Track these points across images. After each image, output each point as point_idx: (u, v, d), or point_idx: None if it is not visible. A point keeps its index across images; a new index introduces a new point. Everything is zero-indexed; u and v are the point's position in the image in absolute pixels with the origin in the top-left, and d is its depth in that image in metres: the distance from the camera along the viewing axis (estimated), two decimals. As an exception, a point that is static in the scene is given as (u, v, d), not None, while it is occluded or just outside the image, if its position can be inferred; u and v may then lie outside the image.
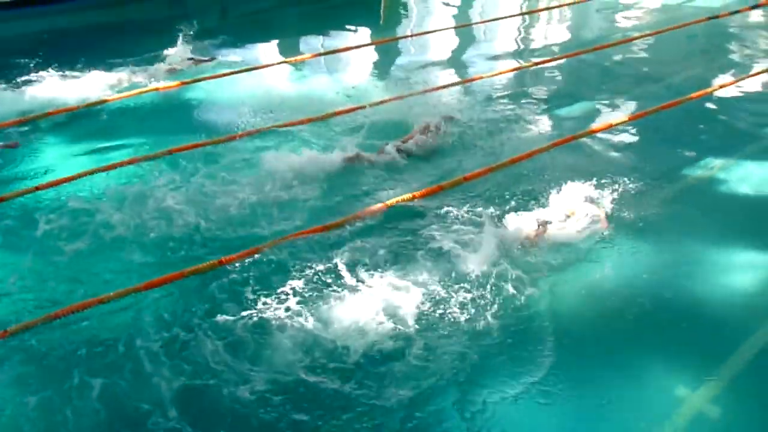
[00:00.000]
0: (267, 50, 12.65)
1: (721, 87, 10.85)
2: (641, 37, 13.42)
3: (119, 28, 13.02)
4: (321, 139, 8.72)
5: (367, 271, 6.11)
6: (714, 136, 9.35)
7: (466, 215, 6.95)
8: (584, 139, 8.96)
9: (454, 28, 14.11)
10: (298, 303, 5.71)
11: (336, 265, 6.12)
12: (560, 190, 7.17)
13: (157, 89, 10.07)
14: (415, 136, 8.31)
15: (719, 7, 15.29)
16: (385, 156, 8.00)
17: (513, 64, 11.93)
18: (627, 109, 10.04)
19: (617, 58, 12.22)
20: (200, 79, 10.52)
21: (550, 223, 6.69)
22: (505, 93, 10.46)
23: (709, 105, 10.36)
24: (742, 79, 11.20)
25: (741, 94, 10.74)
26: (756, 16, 15.08)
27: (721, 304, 6.09)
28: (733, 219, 7.43)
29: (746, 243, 7.04)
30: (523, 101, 10.10)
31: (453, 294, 5.82)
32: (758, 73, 11.49)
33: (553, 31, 14.34)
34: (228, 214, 7.03)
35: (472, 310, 5.66)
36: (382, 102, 9.73)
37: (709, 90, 10.73)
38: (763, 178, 8.22)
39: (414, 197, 7.33)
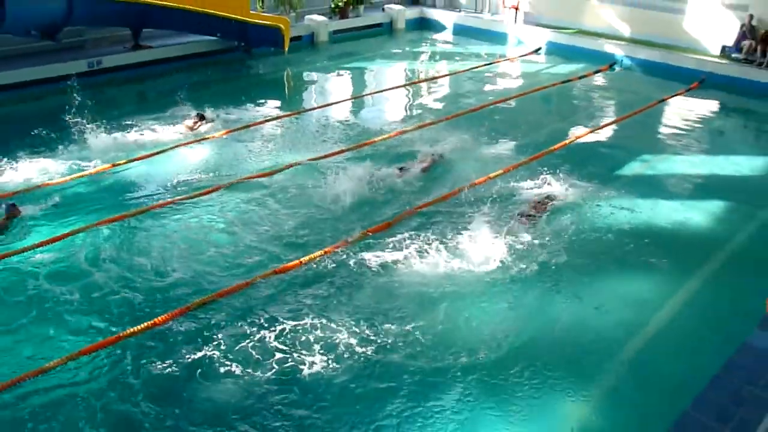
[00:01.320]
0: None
1: (577, 138, 11.66)
2: (509, 99, 14.45)
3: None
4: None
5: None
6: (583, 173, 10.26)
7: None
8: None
9: (357, 97, 14.53)
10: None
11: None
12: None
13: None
14: (416, 164, 10.40)
15: (568, 73, 16.39)
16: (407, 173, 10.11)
17: (411, 124, 12.63)
18: (514, 154, 11.04)
19: (497, 117, 13.25)
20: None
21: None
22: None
23: (571, 150, 11.14)
24: (595, 130, 12.07)
25: (595, 141, 11.56)
26: (598, 79, 16.28)
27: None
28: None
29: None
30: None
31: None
32: (607, 125, 12.43)
33: (436, 96, 15.12)
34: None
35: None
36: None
37: (567, 141, 11.50)
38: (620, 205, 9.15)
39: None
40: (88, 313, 6.74)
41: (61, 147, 10.63)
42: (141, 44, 15.28)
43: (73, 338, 6.37)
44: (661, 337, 6.79)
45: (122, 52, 14.99)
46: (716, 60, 16.79)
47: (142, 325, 6.44)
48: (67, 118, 10.81)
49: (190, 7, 14.80)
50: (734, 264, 8.28)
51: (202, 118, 12.28)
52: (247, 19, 15.72)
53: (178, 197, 9.18)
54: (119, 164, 10.14)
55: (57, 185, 9.48)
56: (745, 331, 5.60)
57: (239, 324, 6.57)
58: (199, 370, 5.93)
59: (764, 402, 4.55)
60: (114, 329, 6.46)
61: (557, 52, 18.64)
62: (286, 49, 16.29)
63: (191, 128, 11.88)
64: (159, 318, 6.55)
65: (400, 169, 10.17)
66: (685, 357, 6.48)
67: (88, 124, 10.87)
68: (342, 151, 10.99)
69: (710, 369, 5.11)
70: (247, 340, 6.31)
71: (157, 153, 10.64)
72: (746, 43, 16.39)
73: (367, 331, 6.42)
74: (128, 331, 6.39)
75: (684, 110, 14.36)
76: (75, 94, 10.96)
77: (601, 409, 5.74)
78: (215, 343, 6.27)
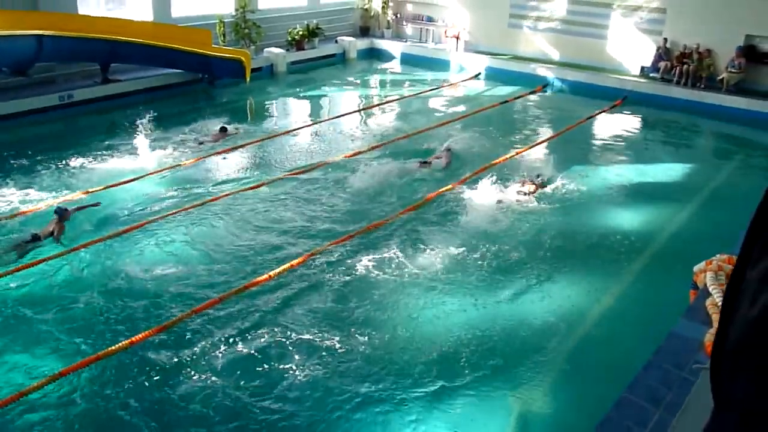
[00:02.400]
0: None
1: (517, 153, 11.81)
2: (455, 120, 14.58)
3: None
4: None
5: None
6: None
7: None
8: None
9: (316, 122, 14.41)
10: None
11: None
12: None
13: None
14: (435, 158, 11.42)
15: (506, 95, 16.72)
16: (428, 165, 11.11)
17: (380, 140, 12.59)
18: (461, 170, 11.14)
19: (445, 135, 13.28)
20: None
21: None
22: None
23: (512, 165, 11.26)
24: (531, 146, 12.27)
25: (533, 155, 11.78)
26: (533, 99, 16.60)
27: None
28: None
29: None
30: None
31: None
32: (543, 140, 12.66)
33: (389, 118, 15.23)
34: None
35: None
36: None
37: (508, 156, 11.67)
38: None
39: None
40: (68, 333, 6.54)
41: (40, 175, 10.34)
42: (110, 78, 15.01)
43: (53, 358, 6.18)
44: (599, 328, 6.96)
45: (92, 86, 14.70)
46: (636, 79, 17.33)
47: (153, 329, 6.28)
48: (41, 148, 10.55)
49: (157, 43, 14.63)
50: (660, 260, 8.54)
51: (224, 130, 12.66)
52: (210, 53, 15.60)
53: (153, 218, 9.05)
54: (92, 191, 9.88)
55: (37, 211, 9.18)
56: (672, 320, 5.74)
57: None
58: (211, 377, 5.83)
59: (690, 384, 4.66)
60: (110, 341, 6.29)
61: (495, 76, 18.96)
62: (248, 79, 16.20)
63: (216, 141, 12.28)
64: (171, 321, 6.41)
65: (423, 162, 11.11)
66: (620, 345, 6.63)
67: (63, 152, 10.60)
68: (303, 171, 10.99)
69: (644, 355, 5.23)
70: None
71: (133, 180, 10.39)
72: (663, 63, 16.95)
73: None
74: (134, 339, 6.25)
75: (610, 125, 14.76)
76: (49, 125, 10.68)
77: (545, 394, 5.84)
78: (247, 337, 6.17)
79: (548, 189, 10.28)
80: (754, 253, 1.13)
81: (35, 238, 8.10)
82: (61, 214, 8.47)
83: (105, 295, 7.20)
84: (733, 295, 1.14)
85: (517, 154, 12.08)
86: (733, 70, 15.98)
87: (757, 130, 14.89)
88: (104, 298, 7.13)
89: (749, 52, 16.09)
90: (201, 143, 12.23)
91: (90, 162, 11.03)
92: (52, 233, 8.23)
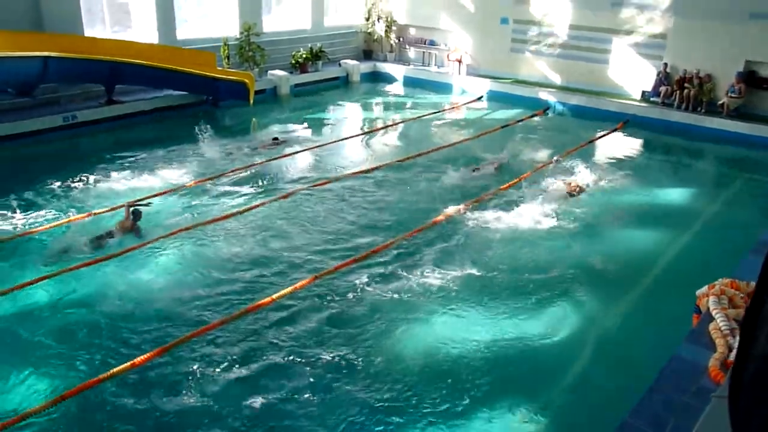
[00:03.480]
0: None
1: (523, 177, 11.87)
2: (459, 142, 14.71)
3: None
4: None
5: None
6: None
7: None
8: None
9: (321, 145, 14.37)
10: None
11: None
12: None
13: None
14: (486, 165, 12.62)
15: (508, 118, 16.77)
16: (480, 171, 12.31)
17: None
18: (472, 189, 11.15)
19: (455, 154, 13.44)
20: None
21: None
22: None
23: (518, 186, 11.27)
24: (538, 168, 12.29)
25: (539, 176, 11.79)
26: (535, 122, 16.65)
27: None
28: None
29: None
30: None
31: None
32: (548, 162, 12.64)
33: (393, 140, 15.36)
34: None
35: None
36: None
37: (516, 180, 11.69)
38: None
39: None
40: (67, 356, 6.50)
41: (43, 195, 10.38)
42: (114, 99, 15.12)
43: (50, 382, 6.12)
44: (601, 352, 6.88)
45: (96, 107, 14.80)
46: (638, 104, 17.40)
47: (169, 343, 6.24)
48: (41, 168, 10.58)
49: (161, 65, 14.76)
50: (662, 284, 8.48)
51: (276, 140, 13.79)
52: (214, 75, 15.73)
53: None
54: (98, 212, 9.88)
55: (44, 231, 9.18)
56: (675, 344, 5.68)
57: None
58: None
59: (694, 409, 4.59)
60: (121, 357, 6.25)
61: (497, 99, 19.08)
62: (252, 101, 16.30)
63: (270, 147, 13.44)
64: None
65: (474, 170, 12.28)
66: (624, 369, 6.56)
67: (66, 173, 10.62)
68: (323, 183, 11.02)
69: (646, 380, 5.16)
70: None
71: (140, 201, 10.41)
72: (663, 88, 17.03)
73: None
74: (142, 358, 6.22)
75: (611, 148, 14.78)
76: (52, 145, 10.73)
77: (547, 419, 5.75)
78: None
79: (550, 212, 10.28)
80: None
81: (109, 235, 8.86)
82: (137, 213, 9.38)
83: (106, 315, 7.17)
84: (751, 326, 1.12)
85: (523, 177, 12.06)
86: (733, 95, 16.04)
87: (758, 153, 14.91)
88: (107, 318, 7.10)
89: (749, 78, 16.17)
90: (255, 149, 13.37)
91: (92, 182, 11.05)
92: (128, 230, 9.09)
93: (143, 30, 16.45)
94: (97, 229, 9.10)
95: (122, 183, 11.19)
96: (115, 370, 6.09)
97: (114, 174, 11.52)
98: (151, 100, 15.68)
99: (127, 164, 12.13)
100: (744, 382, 1.11)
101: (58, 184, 10.81)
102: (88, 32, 15.07)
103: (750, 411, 1.09)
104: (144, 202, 9.93)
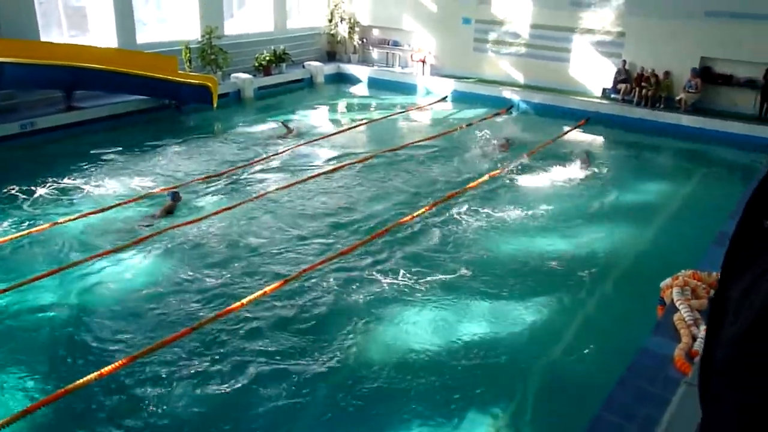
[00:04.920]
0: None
1: (491, 176, 11.96)
2: (428, 139, 14.73)
3: None
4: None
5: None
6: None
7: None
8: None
9: (287, 150, 14.24)
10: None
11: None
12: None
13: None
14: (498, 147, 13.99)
15: (472, 116, 16.98)
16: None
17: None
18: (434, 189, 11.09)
19: (415, 155, 13.53)
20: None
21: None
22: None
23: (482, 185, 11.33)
24: (505, 166, 12.47)
25: (504, 176, 11.91)
26: (498, 119, 16.81)
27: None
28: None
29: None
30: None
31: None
32: (513, 161, 12.78)
33: (360, 140, 15.21)
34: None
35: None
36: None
37: (481, 180, 11.73)
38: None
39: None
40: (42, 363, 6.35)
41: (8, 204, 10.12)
42: (74, 105, 14.79)
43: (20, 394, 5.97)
44: (570, 347, 6.98)
45: (55, 113, 14.45)
46: (599, 101, 17.73)
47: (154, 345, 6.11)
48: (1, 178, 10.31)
49: (122, 70, 14.48)
50: (627, 277, 8.66)
51: (288, 128, 15.05)
52: (176, 78, 15.51)
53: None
54: (61, 222, 9.63)
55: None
56: (642, 336, 5.80)
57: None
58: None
59: (663, 399, 4.70)
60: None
61: (461, 99, 19.24)
62: (215, 105, 16.12)
63: (284, 137, 14.51)
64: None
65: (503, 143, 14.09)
66: (593, 363, 6.67)
67: (27, 181, 10.34)
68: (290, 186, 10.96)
69: (616, 372, 5.27)
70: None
71: (100, 210, 10.23)
72: (623, 85, 17.39)
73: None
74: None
75: (573, 145, 15.00)
76: (10, 153, 10.44)
77: (521, 416, 5.82)
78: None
79: (513, 210, 10.42)
80: (736, 270, 1.14)
81: (153, 217, 9.74)
82: (174, 196, 10.29)
83: (80, 322, 7.02)
84: (717, 314, 1.14)
85: (490, 177, 12.20)
86: (690, 91, 16.47)
87: (714, 147, 15.34)
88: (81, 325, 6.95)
89: (705, 74, 16.62)
90: (280, 138, 14.53)
91: (52, 190, 10.76)
92: (168, 212, 9.92)
93: (102, 34, 16.10)
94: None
95: (84, 190, 10.95)
96: (78, 382, 5.96)
97: (74, 181, 11.26)
98: (113, 106, 15.39)
99: (88, 171, 11.87)
100: (713, 368, 1.13)
101: (15, 191, 10.51)
102: (45, 37, 14.72)
103: (720, 396, 1.11)
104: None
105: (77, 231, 9.36)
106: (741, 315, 1.06)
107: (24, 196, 10.44)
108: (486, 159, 13.25)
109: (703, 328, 5.47)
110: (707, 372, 1.15)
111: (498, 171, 12.38)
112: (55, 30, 15.46)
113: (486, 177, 12.03)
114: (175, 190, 10.70)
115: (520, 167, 12.69)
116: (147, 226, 9.52)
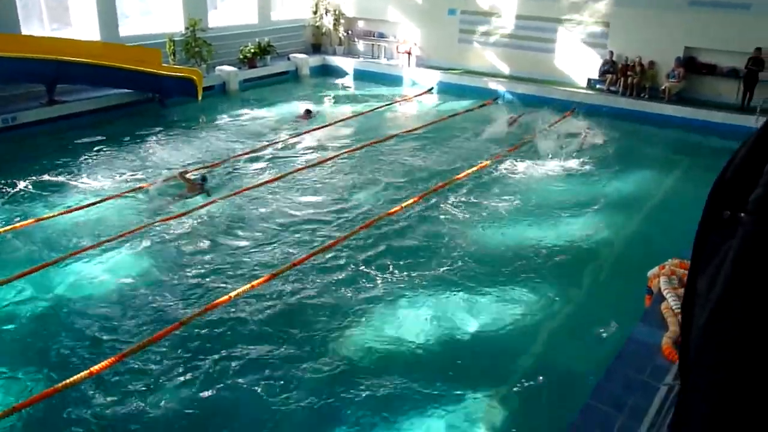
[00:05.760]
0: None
1: (481, 166, 11.96)
2: (414, 130, 14.71)
3: None
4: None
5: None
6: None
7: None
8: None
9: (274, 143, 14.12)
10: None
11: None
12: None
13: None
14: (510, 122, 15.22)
15: (458, 108, 16.99)
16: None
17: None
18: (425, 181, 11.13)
19: (403, 146, 13.49)
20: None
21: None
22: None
23: (473, 176, 11.36)
24: (492, 157, 12.45)
25: (493, 167, 11.90)
26: (482, 111, 16.80)
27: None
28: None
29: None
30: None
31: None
32: (500, 153, 12.74)
33: (349, 131, 15.03)
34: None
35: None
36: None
37: (472, 170, 11.71)
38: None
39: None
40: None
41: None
42: (56, 99, 14.59)
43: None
44: (559, 337, 7.02)
45: (37, 107, 14.25)
46: (584, 91, 17.77)
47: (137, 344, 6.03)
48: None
49: (104, 63, 14.29)
50: (614, 266, 8.71)
51: (309, 112, 15.55)
52: (160, 72, 15.34)
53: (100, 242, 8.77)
54: (44, 218, 9.50)
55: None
56: (630, 325, 5.83)
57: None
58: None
59: (651, 387, 4.73)
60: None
61: (447, 90, 19.21)
62: (200, 98, 15.97)
63: (305, 119, 15.27)
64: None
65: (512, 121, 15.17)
66: (582, 352, 6.70)
67: (7, 177, 10.22)
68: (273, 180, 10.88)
69: (605, 361, 5.29)
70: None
71: (90, 205, 10.09)
72: (608, 76, 17.44)
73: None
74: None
75: (561, 135, 15.02)
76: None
77: (510, 405, 5.84)
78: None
79: (499, 202, 10.43)
80: (701, 264, 1.13)
81: (181, 196, 10.28)
82: (203, 177, 10.92)
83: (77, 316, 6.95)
84: (688, 307, 1.14)
85: (481, 167, 12.21)
86: (674, 80, 16.55)
87: (698, 136, 15.44)
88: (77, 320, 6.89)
89: (689, 63, 16.71)
90: (296, 121, 15.25)
91: (34, 185, 10.61)
92: (197, 191, 10.45)
93: (84, 27, 15.89)
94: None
95: (67, 184, 10.81)
96: (67, 381, 5.90)
97: (57, 177, 11.10)
98: (96, 99, 15.20)
99: (71, 166, 11.71)
100: (690, 360, 1.13)
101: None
102: (26, 30, 14.48)
103: (696, 384, 1.10)
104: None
105: (61, 226, 9.23)
106: (706, 307, 1.06)
107: (7, 189, 10.30)
108: (474, 149, 13.27)
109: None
110: (685, 366, 1.15)
111: (485, 163, 12.39)
112: (36, 23, 15.21)
113: (474, 168, 12.04)
114: (204, 173, 11.24)
115: (507, 158, 12.72)
116: (180, 200, 10.18)
